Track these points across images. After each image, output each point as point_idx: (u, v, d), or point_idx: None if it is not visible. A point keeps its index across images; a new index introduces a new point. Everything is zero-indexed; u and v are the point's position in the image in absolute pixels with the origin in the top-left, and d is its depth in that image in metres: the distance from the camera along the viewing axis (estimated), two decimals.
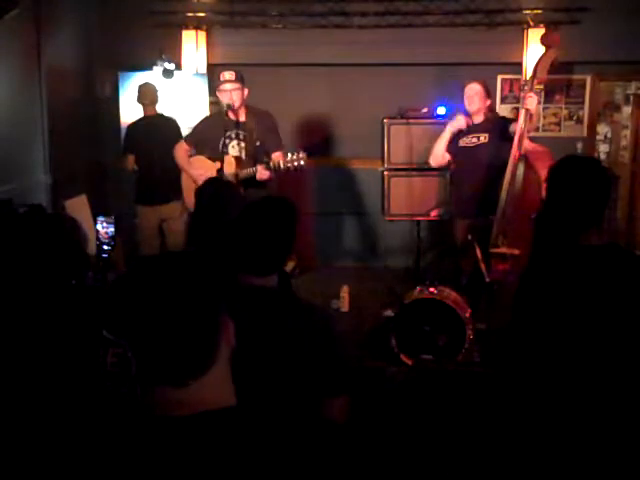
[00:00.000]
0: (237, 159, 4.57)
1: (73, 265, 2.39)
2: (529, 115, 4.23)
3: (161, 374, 1.16)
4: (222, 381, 1.22)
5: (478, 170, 4.60)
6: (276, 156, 4.52)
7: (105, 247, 2.90)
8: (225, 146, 4.55)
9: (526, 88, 4.38)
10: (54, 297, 2.41)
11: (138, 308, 1.15)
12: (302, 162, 4.36)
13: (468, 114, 4.76)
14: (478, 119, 4.72)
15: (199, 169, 4.54)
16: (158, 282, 1.18)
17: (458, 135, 4.81)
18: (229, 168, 4.53)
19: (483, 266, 4.15)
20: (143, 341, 1.14)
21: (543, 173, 3.50)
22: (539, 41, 4.65)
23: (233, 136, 4.56)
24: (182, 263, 1.22)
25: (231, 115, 4.53)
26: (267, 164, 4.40)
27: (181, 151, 4.76)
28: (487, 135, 4.65)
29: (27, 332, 2.32)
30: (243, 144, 4.63)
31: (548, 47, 4.43)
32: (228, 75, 4.51)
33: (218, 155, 4.51)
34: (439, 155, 4.84)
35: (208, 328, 1.18)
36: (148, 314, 1.15)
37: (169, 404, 1.17)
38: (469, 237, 4.67)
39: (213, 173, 4.38)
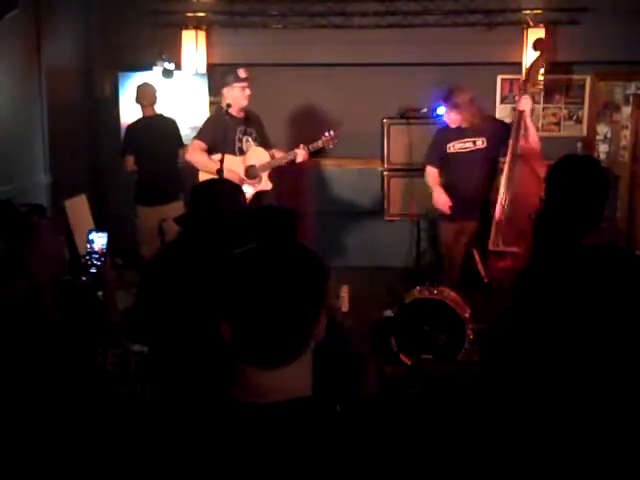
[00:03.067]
0: (263, 150, 4.77)
1: None
2: (524, 116, 4.28)
3: (256, 353, 1.21)
4: (305, 372, 1.26)
5: (473, 174, 4.58)
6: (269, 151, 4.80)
7: (95, 262, 2.81)
8: (240, 141, 4.70)
9: (520, 91, 4.47)
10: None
11: (251, 286, 1.21)
12: (336, 139, 4.72)
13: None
14: (465, 125, 4.63)
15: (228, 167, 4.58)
16: (272, 266, 1.23)
17: (443, 141, 4.73)
18: (259, 159, 4.70)
19: (481, 267, 4.15)
20: (248, 317, 1.20)
21: (542, 170, 3.51)
22: (532, 46, 4.74)
23: (243, 132, 4.74)
24: (293, 253, 1.27)
25: (234, 113, 4.62)
26: (307, 147, 4.69)
27: (198, 150, 4.70)
28: (484, 139, 4.61)
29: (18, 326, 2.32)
30: (254, 139, 4.81)
31: (541, 52, 4.52)
32: (245, 73, 4.63)
33: (233, 152, 4.66)
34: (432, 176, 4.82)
35: (308, 318, 1.23)
36: (257, 292, 1.20)
37: (255, 389, 1.21)
38: (464, 242, 4.69)
39: (242, 170, 4.66)
